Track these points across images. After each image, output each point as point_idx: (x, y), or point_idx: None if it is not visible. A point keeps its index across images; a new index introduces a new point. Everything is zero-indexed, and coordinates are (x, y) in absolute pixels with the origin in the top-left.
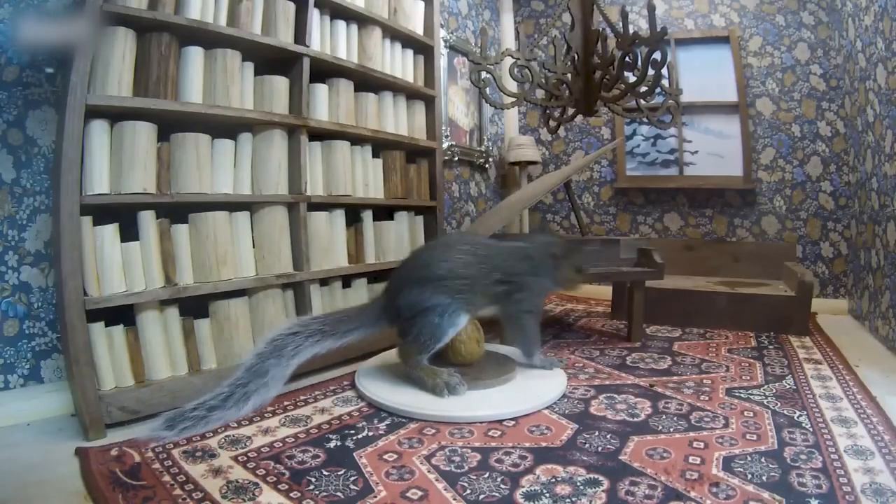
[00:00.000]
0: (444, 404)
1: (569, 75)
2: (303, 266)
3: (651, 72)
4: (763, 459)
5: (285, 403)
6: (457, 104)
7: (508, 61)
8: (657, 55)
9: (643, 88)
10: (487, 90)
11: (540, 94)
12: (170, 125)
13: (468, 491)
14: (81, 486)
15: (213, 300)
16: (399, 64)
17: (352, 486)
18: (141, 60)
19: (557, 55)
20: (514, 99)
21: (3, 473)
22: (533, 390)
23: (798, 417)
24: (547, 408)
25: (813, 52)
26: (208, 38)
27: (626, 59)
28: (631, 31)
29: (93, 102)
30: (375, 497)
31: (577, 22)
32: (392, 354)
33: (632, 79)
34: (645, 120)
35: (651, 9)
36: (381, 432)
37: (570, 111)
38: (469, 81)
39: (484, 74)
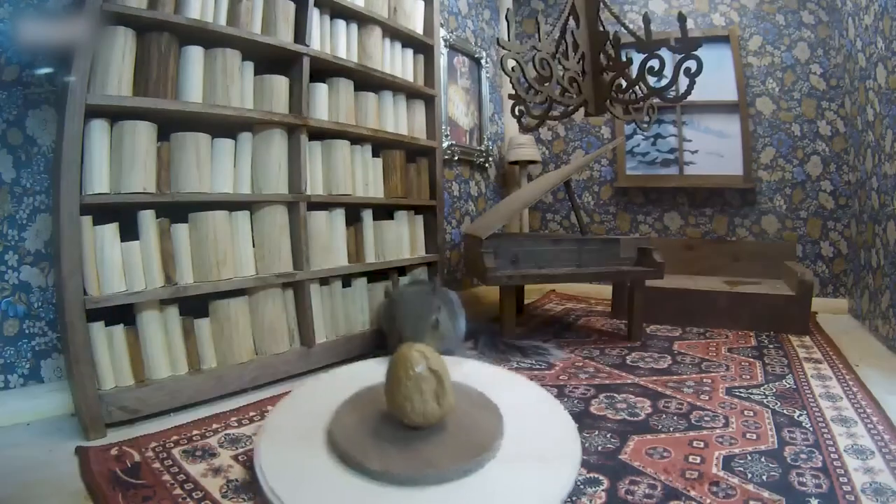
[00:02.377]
0: None
1: (577, 73)
2: (303, 265)
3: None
4: (763, 459)
5: None
6: (457, 103)
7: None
8: (692, 63)
9: (671, 94)
10: (518, 112)
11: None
12: (169, 125)
13: None
14: (81, 486)
15: (213, 300)
16: (399, 63)
17: None
18: (141, 60)
19: (567, 53)
20: (537, 121)
21: (3, 473)
22: (530, 480)
23: (798, 417)
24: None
25: (813, 51)
26: (208, 38)
27: (648, 63)
28: (640, 34)
29: (93, 102)
30: None
31: (582, 22)
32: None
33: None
34: (645, 122)
35: (682, 19)
36: None
37: (559, 110)
38: (468, 81)
39: (512, 63)
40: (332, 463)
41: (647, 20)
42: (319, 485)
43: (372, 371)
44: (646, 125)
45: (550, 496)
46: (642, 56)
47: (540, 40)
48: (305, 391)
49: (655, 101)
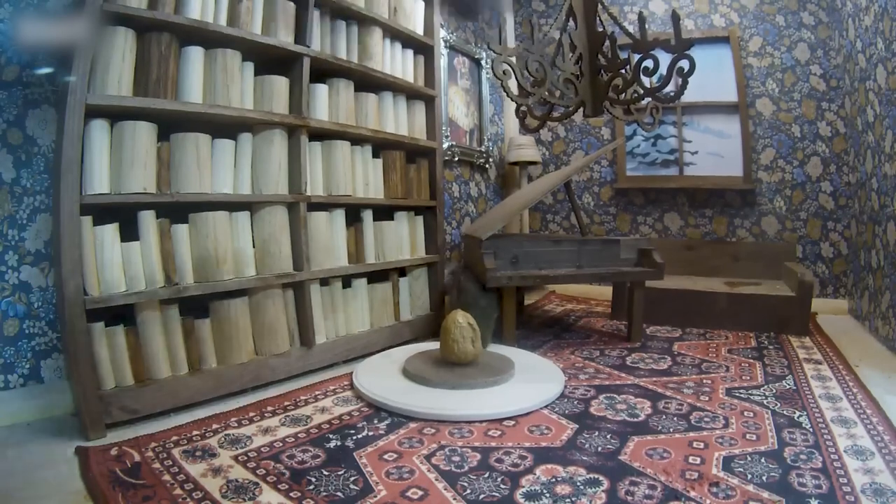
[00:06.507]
0: (443, 402)
1: (573, 74)
2: (303, 266)
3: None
4: (763, 459)
5: (285, 403)
6: (457, 104)
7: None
8: (685, 63)
9: (668, 94)
10: (521, 114)
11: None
12: (170, 125)
13: (468, 491)
14: (81, 486)
15: (214, 300)
16: (399, 64)
17: (352, 486)
18: (141, 60)
19: (564, 55)
20: (539, 122)
21: (3, 472)
22: (530, 390)
23: (798, 417)
24: (546, 407)
25: (813, 52)
26: (208, 38)
27: (643, 63)
28: (637, 34)
29: (93, 102)
30: (375, 497)
31: (580, 23)
32: (392, 353)
33: (634, 83)
34: (648, 121)
35: (675, 18)
36: (381, 432)
37: (559, 111)
38: (469, 81)
39: (504, 67)
40: (404, 379)
41: (641, 19)
42: (395, 387)
43: (430, 346)
44: (650, 126)
45: (542, 396)
46: (637, 56)
47: (533, 43)
48: (389, 351)
49: (648, 100)
